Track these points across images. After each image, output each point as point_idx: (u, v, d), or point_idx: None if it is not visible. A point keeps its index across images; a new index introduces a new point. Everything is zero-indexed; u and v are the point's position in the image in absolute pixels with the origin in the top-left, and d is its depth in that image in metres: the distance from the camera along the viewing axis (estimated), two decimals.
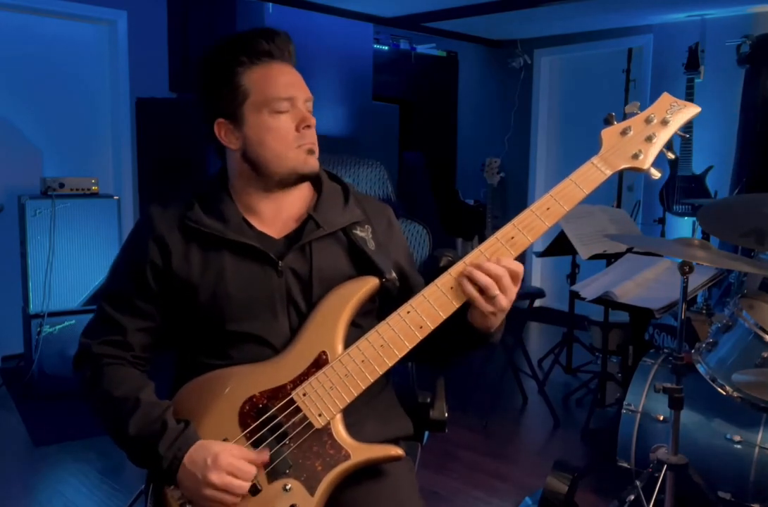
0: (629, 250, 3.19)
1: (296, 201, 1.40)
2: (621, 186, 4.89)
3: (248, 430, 1.26)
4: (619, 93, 4.92)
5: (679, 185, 4.52)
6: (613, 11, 4.72)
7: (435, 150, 5.97)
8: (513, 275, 1.24)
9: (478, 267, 1.23)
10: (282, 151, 1.32)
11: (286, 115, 1.32)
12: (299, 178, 1.37)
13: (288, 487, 1.23)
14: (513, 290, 1.25)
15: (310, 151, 1.34)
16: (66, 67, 4.56)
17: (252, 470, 1.22)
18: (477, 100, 6.17)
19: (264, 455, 1.23)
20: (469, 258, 1.26)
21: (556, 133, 5.88)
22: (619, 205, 4.76)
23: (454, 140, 6.23)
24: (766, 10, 4.45)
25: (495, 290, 1.22)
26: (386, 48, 5.52)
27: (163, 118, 4.54)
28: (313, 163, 1.35)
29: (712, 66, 4.57)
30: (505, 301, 1.25)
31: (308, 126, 1.33)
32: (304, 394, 1.26)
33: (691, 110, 1.32)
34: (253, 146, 1.34)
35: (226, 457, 1.20)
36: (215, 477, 1.19)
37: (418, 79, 5.81)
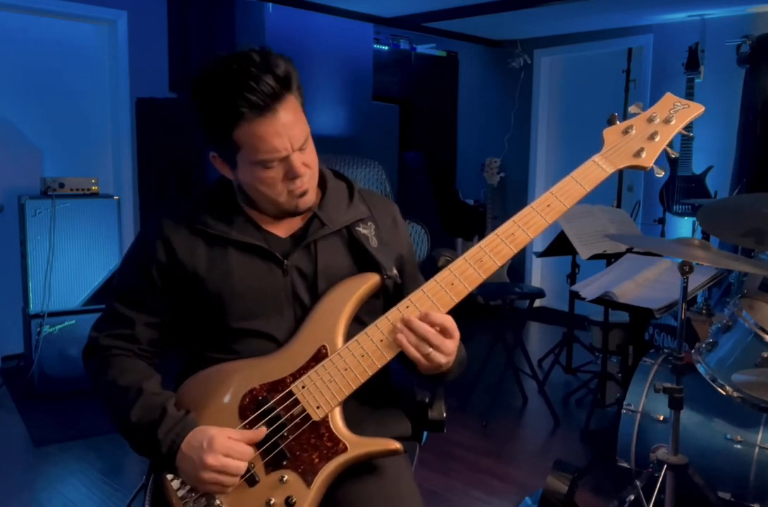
0: (629, 250, 3.19)
1: None
2: (621, 186, 4.89)
3: (247, 421, 1.27)
4: (619, 93, 4.91)
5: (679, 185, 4.51)
6: (613, 11, 4.72)
7: (435, 150, 5.96)
8: (443, 330, 1.25)
9: (407, 324, 1.24)
10: (272, 196, 1.32)
11: (276, 169, 1.28)
12: (292, 215, 1.37)
13: (285, 479, 1.24)
14: (447, 345, 1.25)
15: (302, 194, 1.33)
16: (66, 67, 4.56)
17: (248, 450, 1.23)
18: (477, 100, 6.17)
19: (260, 433, 1.24)
20: (469, 254, 1.28)
21: (556, 133, 5.87)
22: (619, 205, 4.76)
23: (454, 140, 6.22)
24: (766, 10, 4.44)
25: (426, 348, 1.24)
26: (386, 48, 5.51)
27: (163, 118, 4.54)
28: (304, 203, 1.34)
29: (712, 66, 4.57)
30: (442, 357, 1.25)
31: (297, 176, 1.29)
32: (303, 387, 1.27)
33: (695, 109, 1.33)
34: (245, 186, 1.35)
35: (221, 439, 1.22)
36: (212, 459, 1.20)
37: (418, 79, 5.80)
